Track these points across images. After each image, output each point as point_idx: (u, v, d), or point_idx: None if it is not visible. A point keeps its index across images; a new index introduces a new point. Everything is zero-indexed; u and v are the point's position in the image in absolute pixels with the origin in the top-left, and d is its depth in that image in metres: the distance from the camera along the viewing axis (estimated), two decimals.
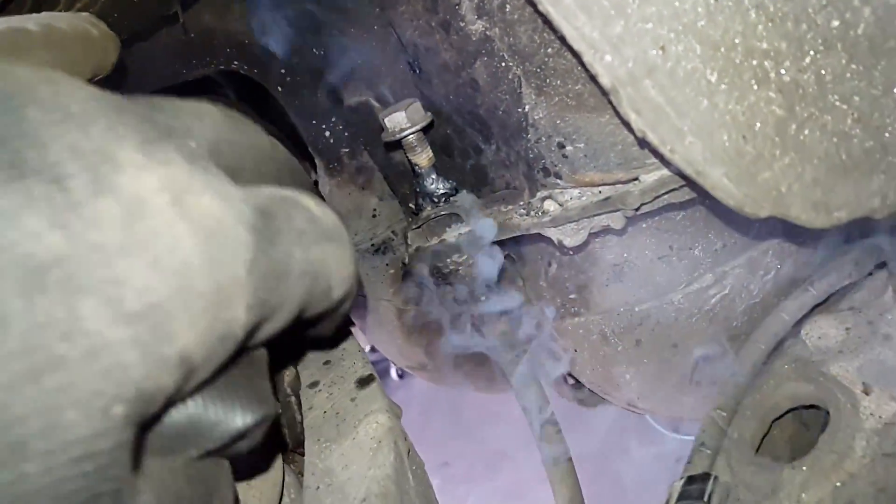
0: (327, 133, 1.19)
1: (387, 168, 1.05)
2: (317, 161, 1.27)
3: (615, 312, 0.95)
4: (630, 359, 0.97)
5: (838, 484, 0.65)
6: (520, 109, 0.72)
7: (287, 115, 1.31)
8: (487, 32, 0.68)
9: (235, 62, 1.20)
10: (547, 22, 0.53)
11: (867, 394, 0.71)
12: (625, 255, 0.91)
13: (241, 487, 0.64)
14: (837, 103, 0.55)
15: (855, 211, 0.57)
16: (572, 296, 0.98)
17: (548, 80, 0.67)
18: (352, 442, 0.67)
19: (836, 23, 0.53)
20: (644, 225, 0.88)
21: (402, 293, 1.20)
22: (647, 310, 0.93)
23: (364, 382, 0.75)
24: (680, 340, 0.93)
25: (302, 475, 0.75)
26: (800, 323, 0.83)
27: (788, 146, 0.54)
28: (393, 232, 1.19)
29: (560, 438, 0.83)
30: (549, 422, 0.84)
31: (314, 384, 0.77)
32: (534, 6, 0.52)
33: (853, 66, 0.54)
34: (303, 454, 0.76)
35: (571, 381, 1.15)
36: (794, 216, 0.55)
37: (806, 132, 0.54)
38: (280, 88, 1.20)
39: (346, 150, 1.19)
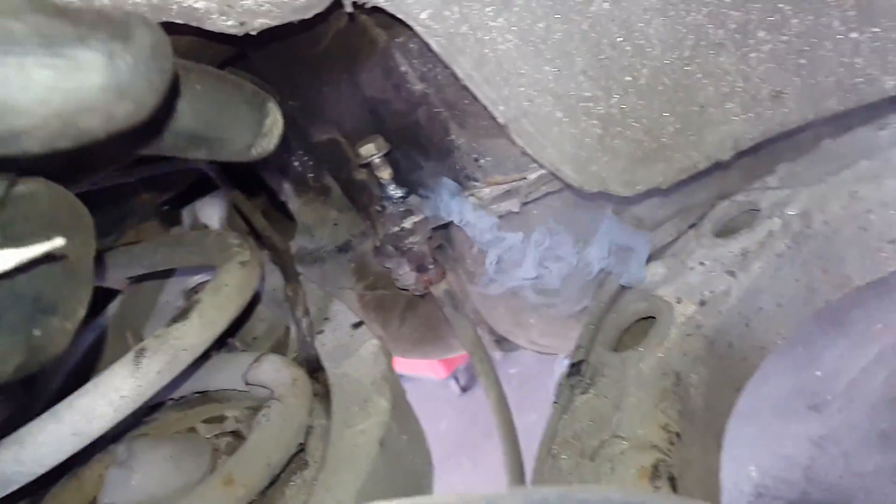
0: (296, 164, 1.55)
1: (348, 186, 1.42)
2: (284, 185, 1.63)
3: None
4: (533, 307, 1.37)
5: (661, 355, 1.06)
6: (448, 138, 1.11)
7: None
8: (426, 91, 1.07)
9: None
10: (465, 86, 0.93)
11: (679, 303, 1.13)
12: (523, 234, 1.31)
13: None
14: (633, 123, 0.96)
15: (649, 185, 0.99)
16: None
17: (466, 119, 1.06)
18: (357, 356, 1.04)
19: (628, 78, 0.95)
20: (535, 212, 1.29)
21: (362, 281, 1.56)
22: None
23: (357, 325, 1.12)
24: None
25: (318, 396, 1.11)
26: None
27: (606, 150, 0.95)
28: (352, 235, 1.55)
29: (490, 358, 1.22)
30: (482, 349, 1.23)
31: (321, 332, 1.14)
32: (457, 79, 0.92)
33: (640, 102, 0.96)
34: (317, 379, 1.12)
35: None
36: (612, 190, 0.96)
37: (616, 142, 0.96)
38: None
39: (312, 175, 1.55)
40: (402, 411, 0.96)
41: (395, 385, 0.96)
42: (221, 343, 1.24)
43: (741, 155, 1.04)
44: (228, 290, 0.87)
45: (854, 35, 0.93)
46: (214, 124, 0.67)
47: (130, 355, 0.81)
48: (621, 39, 0.93)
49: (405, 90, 1.08)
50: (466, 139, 1.09)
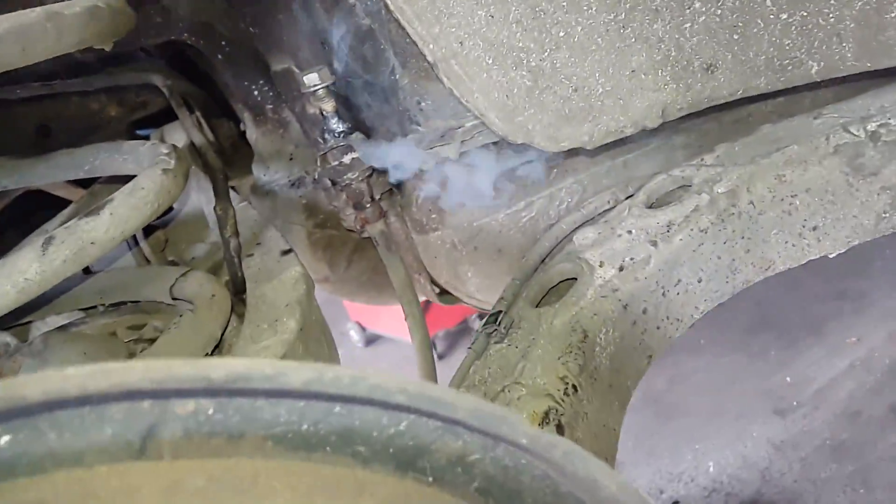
0: (255, 92, 1.56)
1: (302, 119, 1.43)
2: (245, 114, 1.64)
3: (461, 227, 1.37)
4: (471, 260, 1.39)
5: (573, 313, 1.09)
6: (393, 77, 1.12)
7: (214, 79, 1.67)
8: (372, 26, 1.08)
9: (185, 34, 1.55)
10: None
11: (600, 266, 1.15)
12: (468, 186, 1.33)
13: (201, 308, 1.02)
14: (563, 80, 0.97)
15: (574, 143, 1.00)
16: (433, 216, 1.39)
17: (408, 59, 1.07)
18: (278, 280, 1.06)
19: (562, 34, 0.96)
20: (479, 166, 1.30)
21: (312, 218, 1.58)
22: (482, 225, 1.36)
23: (285, 252, 1.14)
24: (502, 247, 1.36)
25: (241, 316, 1.13)
26: (574, 232, 1.28)
27: (533, 103, 0.96)
28: (306, 171, 1.57)
29: (418, 302, 1.25)
30: (412, 292, 1.25)
31: (250, 255, 1.16)
32: (390, 12, 0.93)
33: (572, 59, 0.97)
34: (243, 300, 1.14)
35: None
36: (536, 143, 0.98)
37: (544, 95, 0.97)
38: (220, 56, 1.56)
39: (270, 106, 1.56)
40: (312, 336, 0.98)
41: (308, 310, 0.99)
42: None
43: (674, 128, 1.05)
44: (144, 192, 0.88)
45: (784, 16, 0.94)
46: None
47: (39, 241, 0.83)
48: None
49: (353, 23, 1.09)
50: (409, 79, 1.10)
